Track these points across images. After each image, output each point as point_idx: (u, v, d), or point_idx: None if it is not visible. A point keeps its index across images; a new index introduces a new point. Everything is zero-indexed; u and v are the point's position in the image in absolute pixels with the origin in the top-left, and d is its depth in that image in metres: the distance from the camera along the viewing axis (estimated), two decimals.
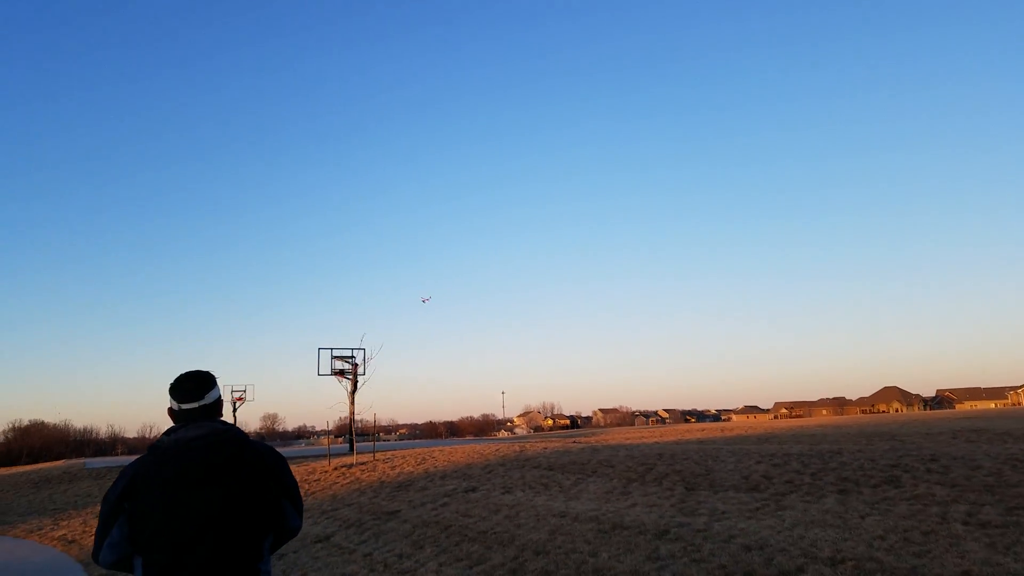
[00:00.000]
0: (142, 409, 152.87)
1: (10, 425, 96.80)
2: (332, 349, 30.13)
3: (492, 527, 9.11)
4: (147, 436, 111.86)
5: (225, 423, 2.60)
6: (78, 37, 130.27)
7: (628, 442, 23.23)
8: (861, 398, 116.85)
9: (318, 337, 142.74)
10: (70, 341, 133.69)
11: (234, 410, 48.88)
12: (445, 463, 17.06)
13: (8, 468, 45.67)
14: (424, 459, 18.46)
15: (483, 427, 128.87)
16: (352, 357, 29.97)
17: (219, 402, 2.68)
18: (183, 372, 2.66)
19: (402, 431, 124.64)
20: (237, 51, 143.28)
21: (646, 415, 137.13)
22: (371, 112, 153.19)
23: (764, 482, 10.11)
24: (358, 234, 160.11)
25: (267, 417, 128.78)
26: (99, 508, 2.50)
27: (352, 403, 29.31)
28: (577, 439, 29.78)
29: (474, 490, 12.40)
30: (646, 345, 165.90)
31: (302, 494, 15.48)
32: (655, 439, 25.80)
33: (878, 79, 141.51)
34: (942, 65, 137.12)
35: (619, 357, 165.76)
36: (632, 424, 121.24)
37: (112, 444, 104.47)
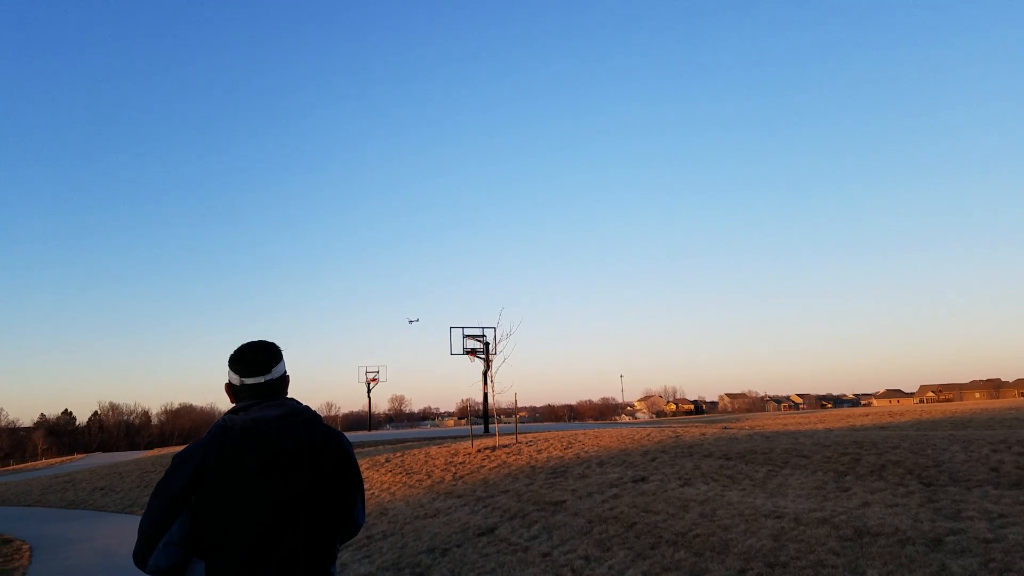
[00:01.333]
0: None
1: (163, 408, 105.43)
2: (464, 328, 29.57)
3: (689, 527, 7.66)
4: None
5: (298, 402, 2.27)
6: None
7: (789, 428, 21.17)
8: (1019, 379, 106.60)
9: (449, 317, 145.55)
10: (209, 328, 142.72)
11: (368, 391, 49.78)
12: (594, 448, 15.74)
13: (161, 449, 48.42)
14: (570, 443, 17.21)
15: (603, 411, 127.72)
16: (483, 336, 29.26)
17: (286, 378, 2.34)
18: (247, 342, 2.31)
19: (522, 414, 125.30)
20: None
21: (777, 400, 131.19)
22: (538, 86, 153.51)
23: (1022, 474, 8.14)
24: (493, 213, 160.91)
25: (395, 399, 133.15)
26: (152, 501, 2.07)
27: (485, 383, 28.59)
28: (727, 425, 27.71)
29: (644, 480, 10.98)
30: (774, 326, 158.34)
31: (450, 477, 14.79)
32: (821, 425, 23.43)
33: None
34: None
35: (745, 339, 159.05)
36: (763, 410, 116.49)
37: None
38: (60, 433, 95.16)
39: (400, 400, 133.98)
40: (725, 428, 22.51)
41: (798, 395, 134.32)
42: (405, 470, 16.17)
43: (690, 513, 8.35)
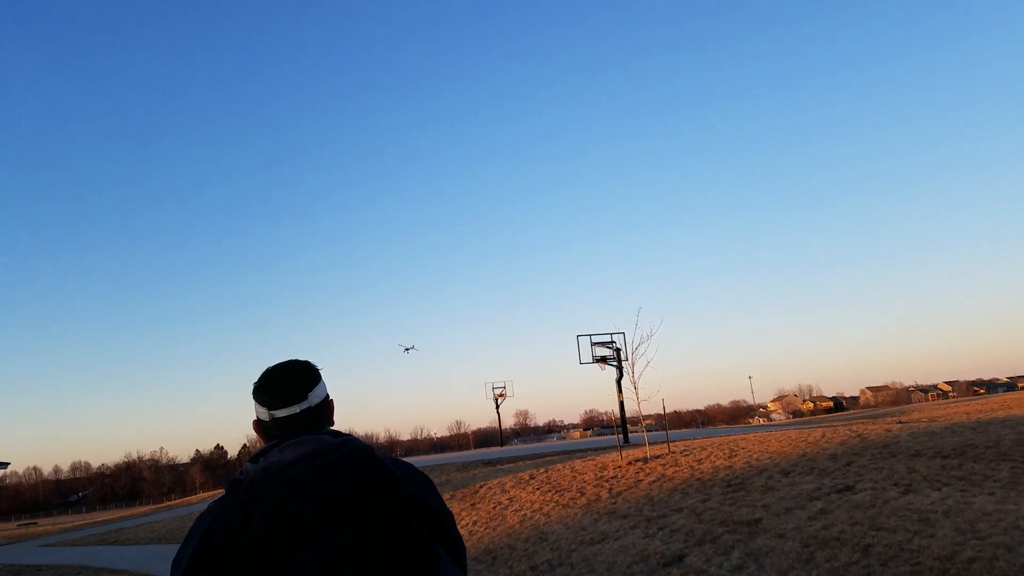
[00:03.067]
0: (414, 412, 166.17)
1: None
2: (592, 335, 28.23)
3: (952, 549, 5.94)
4: (419, 437, 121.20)
5: (339, 433, 1.65)
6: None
7: (978, 417, 18.44)
8: None
9: (573, 327, 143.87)
10: (342, 355, 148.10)
11: (496, 407, 48.95)
12: (764, 454, 13.91)
13: None
14: (733, 450, 15.42)
15: (733, 414, 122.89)
16: (614, 342, 27.78)
17: (327, 404, 1.76)
18: (273, 365, 1.72)
19: (648, 421, 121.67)
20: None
21: (923, 390, 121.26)
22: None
23: None
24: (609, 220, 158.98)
25: (519, 413, 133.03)
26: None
27: (620, 391, 27.05)
28: (899, 419, 24.81)
29: (850, 489, 9.18)
30: (913, 311, 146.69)
31: (606, 493, 13.39)
32: (1013, 411, 20.33)
33: None
34: None
35: (880, 328, 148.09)
36: (909, 401, 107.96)
37: (390, 447, 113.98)
38: (214, 467, 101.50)
39: (524, 414, 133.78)
40: (900, 422, 19.95)
41: (946, 383, 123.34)
42: (553, 487, 14.92)
43: (940, 529, 6.60)
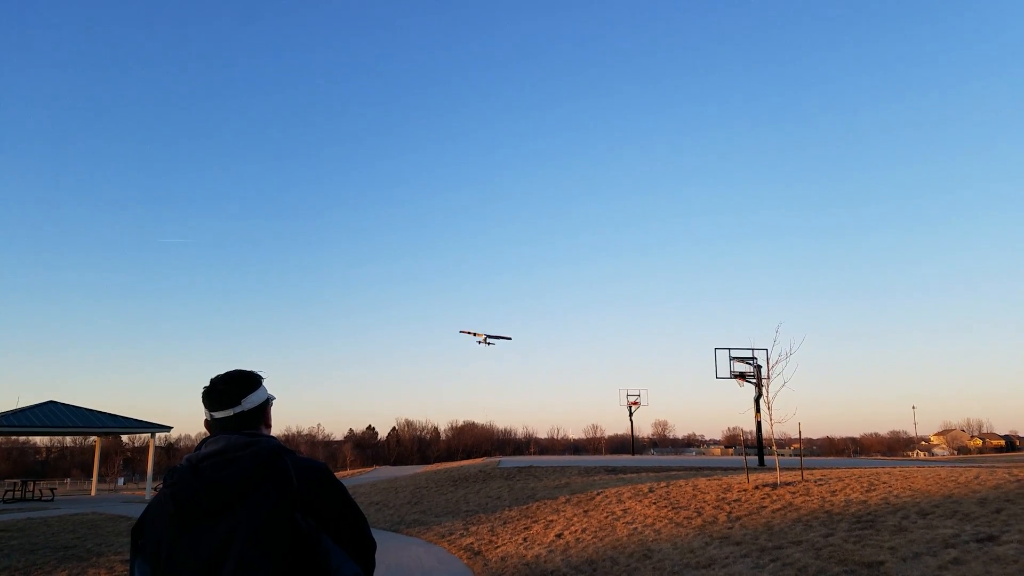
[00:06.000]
0: (552, 413, 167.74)
1: (449, 425, 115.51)
2: (730, 349, 27.14)
3: None
4: (555, 437, 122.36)
5: (254, 434, 2.01)
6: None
7: None
8: None
9: (713, 338, 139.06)
10: (483, 350, 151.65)
11: (630, 414, 48.36)
12: (906, 492, 12.79)
13: (439, 464, 51.43)
14: (872, 484, 14.30)
15: (891, 446, 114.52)
16: (754, 358, 26.57)
17: (262, 409, 2.10)
18: (219, 373, 2.12)
19: (795, 446, 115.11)
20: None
21: None
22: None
23: None
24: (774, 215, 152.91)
25: (658, 423, 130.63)
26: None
27: (758, 410, 25.84)
28: None
29: (992, 540, 8.25)
30: None
31: (724, 516, 12.80)
32: None
33: None
34: None
35: None
36: None
37: (527, 443, 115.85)
38: (365, 446, 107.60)
39: (663, 425, 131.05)
40: None
41: None
42: (671, 503, 14.50)
43: None
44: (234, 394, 2.05)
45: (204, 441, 2.02)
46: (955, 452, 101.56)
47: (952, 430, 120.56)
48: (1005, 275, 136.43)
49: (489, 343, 46.03)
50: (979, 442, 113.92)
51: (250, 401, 2.06)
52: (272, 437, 2.05)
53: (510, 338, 48.03)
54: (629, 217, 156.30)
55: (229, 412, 2.04)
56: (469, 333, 46.19)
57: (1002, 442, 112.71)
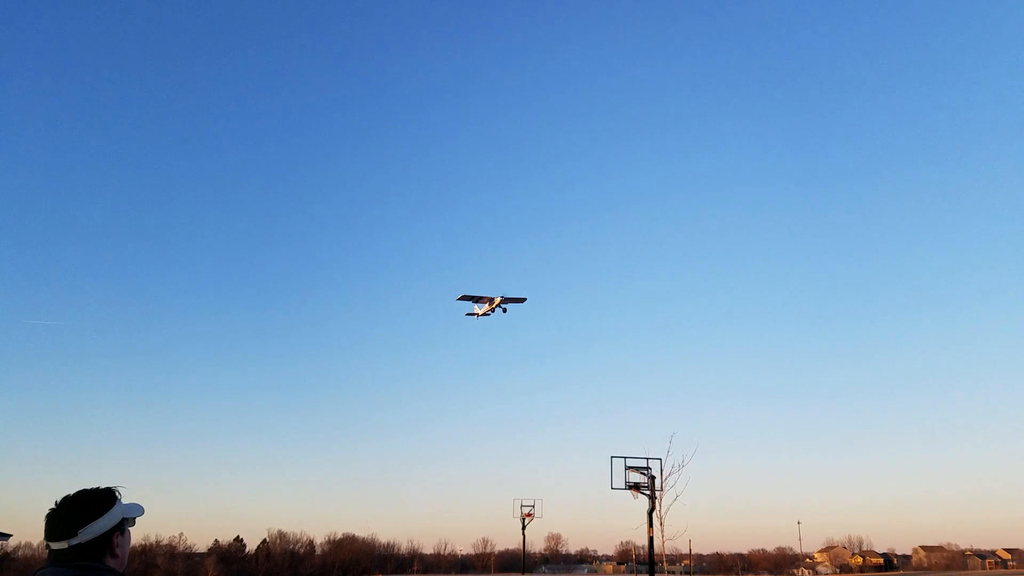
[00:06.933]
0: (439, 525, 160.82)
1: (326, 537, 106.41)
2: (626, 458, 26.89)
3: None
4: (442, 552, 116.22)
5: (88, 568, 1.83)
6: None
7: None
8: None
9: (614, 444, 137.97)
10: (370, 456, 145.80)
11: (523, 527, 46.88)
12: None
13: None
14: None
15: (778, 562, 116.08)
16: (648, 468, 26.37)
17: (106, 539, 1.91)
18: (65, 495, 1.93)
19: (686, 562, 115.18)
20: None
21: (981, 555, 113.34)
22: None
23: None
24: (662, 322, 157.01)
25: (551, 537, 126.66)
26: None
27: (651, 524, 25.38)
28: None
29: None
30: (975, 468, 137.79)
31: None
32: None
33: None
34: None
35: (939, 483, 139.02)
36: (965, 567, 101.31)
37: (411, 560, 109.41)
38: (230, 560, 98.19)
39: (556, 539, 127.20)
40: None
41: (1006, 549, 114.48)
42: None
43: None
44: (72, 523, 1.87)
45: (34, 573, 1.84)
46: (837, 570, 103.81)
47: (835, 547, 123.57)
48: (888, 400, 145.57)
49: (503, 309, 37.89)
50: (860, 560, 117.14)
51: (89, 531, 1.88)
52: (111, 572, 1.87)
53: (524, 299, 39.09)
54: (523, 322, 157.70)
55: (63, 544, 1.87)
56: (470, 299, 37.61)
57: (880, 560, 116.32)
